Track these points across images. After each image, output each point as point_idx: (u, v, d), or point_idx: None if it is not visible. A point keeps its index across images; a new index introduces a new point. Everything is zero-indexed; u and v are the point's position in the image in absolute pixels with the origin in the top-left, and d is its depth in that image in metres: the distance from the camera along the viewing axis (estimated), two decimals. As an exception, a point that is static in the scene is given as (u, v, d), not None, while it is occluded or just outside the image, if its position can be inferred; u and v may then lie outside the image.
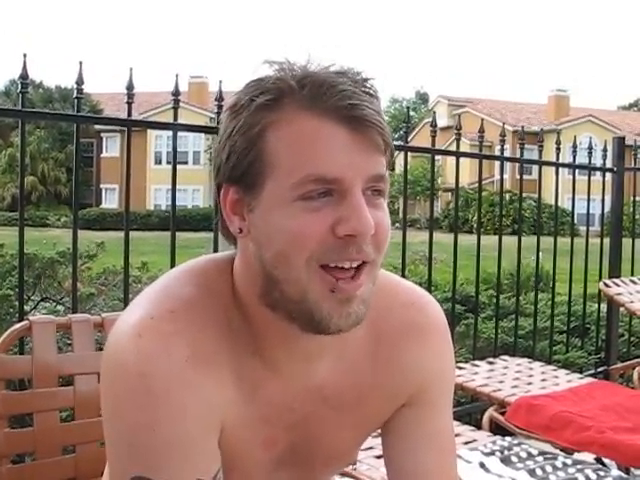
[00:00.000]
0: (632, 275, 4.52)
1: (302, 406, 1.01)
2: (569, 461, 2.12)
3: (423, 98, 60.93)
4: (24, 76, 2.37)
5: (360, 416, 1.07)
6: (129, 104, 2.61)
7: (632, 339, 5.02)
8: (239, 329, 0.96)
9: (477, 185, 4.20)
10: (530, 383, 3.04)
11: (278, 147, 0.88)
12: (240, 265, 0.97)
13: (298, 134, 0.88)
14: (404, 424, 1.10)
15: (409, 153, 3.60)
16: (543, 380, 3.11)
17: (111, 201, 37.67)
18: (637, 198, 5.01)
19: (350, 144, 0.88)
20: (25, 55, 2.36)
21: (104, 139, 38.76)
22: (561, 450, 2.44)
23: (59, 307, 4.18)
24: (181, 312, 0.93)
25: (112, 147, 38.31)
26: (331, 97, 0.87)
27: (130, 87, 2.60)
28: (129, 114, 2.64)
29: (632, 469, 2.57)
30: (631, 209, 5.08)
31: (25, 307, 3.38)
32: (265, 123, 0.89)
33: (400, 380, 1.07)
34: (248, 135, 0.90)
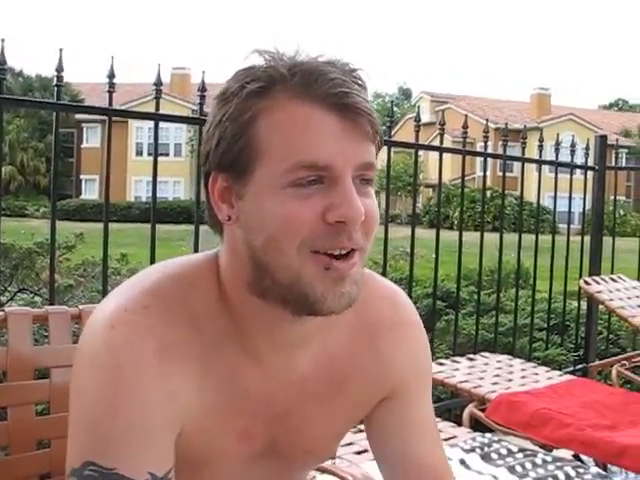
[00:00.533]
0: (612, 273, 4.55)
1: (284, 399, 1.02)
2: (549, 458, 2.11)
3: (406, 94, 61.04)
4: (2, 62, 2.33)
5: (341, 408, 1.07)
6: (110, 93, 2.58)
7: (611, 337, 5.05)
8: (221, 321, 0.96)
9: (458, 181, 4.20)
10: (510, 380, 3.05)
11: (269, 134, 0.89)
12: (227, 254, 0.97)
13: (290, 121, 0.89)
14: (389, 418, 1.12)
15: (391, 148, 3.59)
16: (523, 377, 3.11)
17: (91, 192, 37.41)
18: (617, 197, 5.04)
19: (340, 132, 0.89)
20: (3, 40, 2.32)
21: (84, 129, 38.46)
22: (540, 447, 2.44)
23: (36, 298, 4.14)
24: (154, 308, 0.93)
25: (93, 137, 38.04)
26: (322, 85, 0.88)
27: (111, 75, 2.56)
28: (110, 103, 2.60)
29: (609, 466, 2.59)
30: (611, 207, 5.12)
31: (1, 298, 3.34)
32: (256, 110, 0.89)
33: (378, 373, 1.09)
34: (239, 122, 0.90)
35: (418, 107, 3.97)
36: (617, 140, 5.27)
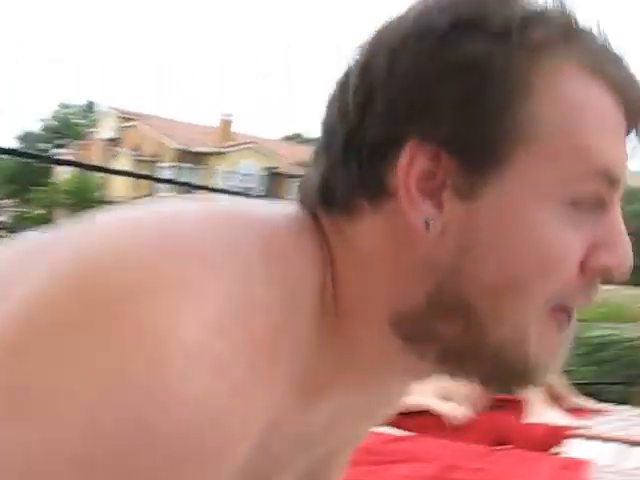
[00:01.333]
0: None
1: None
2: None
3: (91, 107, 55.00)
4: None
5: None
6: None
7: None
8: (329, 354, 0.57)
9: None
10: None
11: (555, 113, 0.54)
12: (363, 263, 0.56)
13: (584, 104, 0.55)
14: None
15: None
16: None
17: None
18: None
19: (623, 134, 0.57)
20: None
21: None
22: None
23: None
24: (266, 341, 0.49)
25: None
26: (611, 62, 0.56)
27: None
28: None
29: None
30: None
31: None
32: (538, 71, 0.53)
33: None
34: (508, 82, 0.53)
35: (100, 127, 8.86)
36: (290, 171, 8.77)
